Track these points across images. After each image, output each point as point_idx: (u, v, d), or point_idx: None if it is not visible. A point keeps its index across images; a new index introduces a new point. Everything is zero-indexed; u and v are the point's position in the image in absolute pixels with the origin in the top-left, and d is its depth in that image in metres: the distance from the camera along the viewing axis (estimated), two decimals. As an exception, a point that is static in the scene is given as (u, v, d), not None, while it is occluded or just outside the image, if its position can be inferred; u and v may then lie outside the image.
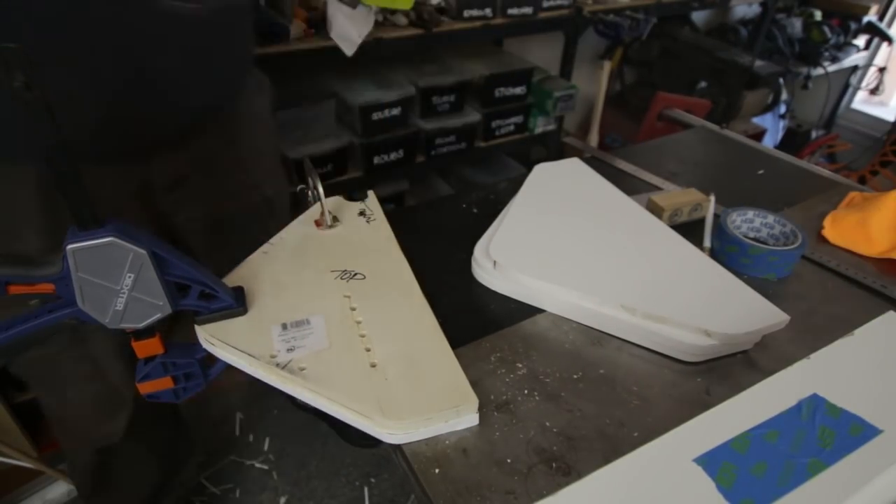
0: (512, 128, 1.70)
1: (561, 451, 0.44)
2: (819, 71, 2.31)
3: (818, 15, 2.39)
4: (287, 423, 1.35)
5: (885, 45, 2.51)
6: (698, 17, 2.41)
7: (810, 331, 0.57)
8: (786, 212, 0.76)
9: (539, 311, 0.57)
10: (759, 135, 2.30)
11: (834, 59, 2.38)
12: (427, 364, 0.47)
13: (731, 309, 0.53)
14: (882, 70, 2.58)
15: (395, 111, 1.45)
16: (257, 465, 1.27)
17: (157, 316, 0.43)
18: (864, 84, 2.68)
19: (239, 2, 0.59)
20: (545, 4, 1.56)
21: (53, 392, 0.72)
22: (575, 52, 1.82)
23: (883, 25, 2.42)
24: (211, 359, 0.50)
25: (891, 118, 2.51)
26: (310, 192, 0.61)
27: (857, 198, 0.76)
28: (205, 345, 0.49)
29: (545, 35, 1.96)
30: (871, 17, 2.41)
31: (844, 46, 2.43)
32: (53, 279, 0.40)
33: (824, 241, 0.71)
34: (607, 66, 1.96)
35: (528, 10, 1.52)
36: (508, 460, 0.43)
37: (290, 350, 0.46)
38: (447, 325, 0.52)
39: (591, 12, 1.67)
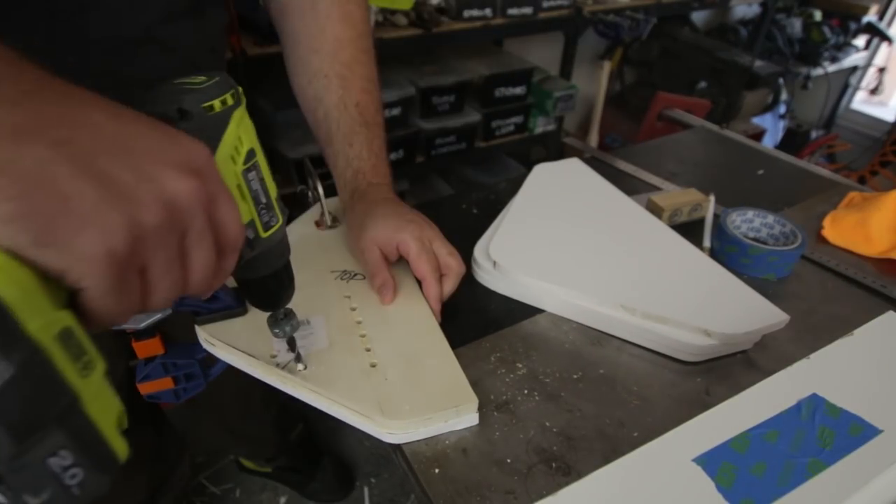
0: (512, 128, 1.70)
1: (561, 451, 0.44)
2: (819, 71, 2.31)
3: (818, 15, 2.39)
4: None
5: (884, 45, 2.51)
6: (698, 17, 2.41)
7: (810, 331, 0.57)
8: (786, 212, 0.76)
9: (539, 311, 0.57)
10: (758, 135, 2.30)
11: (834, 60, 2.38)
12: (427, 364, 0.47)
13: (730, 309, 0.53)
14: (882, 70, 2.58)
15: (395, 111, 1.45)
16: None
17: (158, 316, 0.43)
18: (863, 84, 2.68)
19: None
20: (545, 4, 1.56)
21: None
22: (575, 53, 1.82)
23: (883, 25, 2.42)
24: (211, 359, 0.50)
25: (890, 118, 2.51)
26: (310, 193, 0.61)
27: (857, 198, 0.76)
28: (205, 345, 0.49)
29: (545, 35, 1.96)
30: (871, 17, 2.41)
31: (844, 46, 2.43)
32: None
33: (824, 241, 0.71)
34: (607, 66, 1.96)
35: (528, 10, 1.52)
36: (508, 460, 0.43)
37: (288, 351, 0.46)
38: (447, 325, 0.52)
39: (591, 12, 1.67)
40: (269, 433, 1.10)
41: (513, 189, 0.71)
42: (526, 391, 0.49)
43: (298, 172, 1.34)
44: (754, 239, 0.67)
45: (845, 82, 2.67)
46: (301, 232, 0.62)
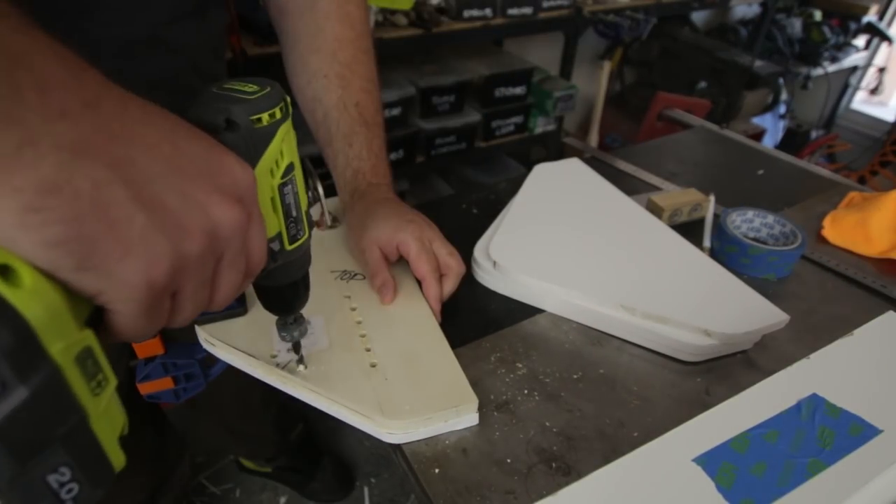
0: (512, 128, 1.70)
1: (561, 451, 0.44)
2: (819, 71, 2.31)
3: (818, 15, 2.39)
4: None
5: (884, 45, 2.51)
6: (698, 17, 2.41)
7: (810, 331, 0.57)
8: (785, 212, 0.76)
9: (539, 311, 0.57)
10: (758, 135, 2.30)
11: (834, 60, 2.38)
12: (427, 364, 0.47)
13: (730, 309, 0.53)
14: (882, 70, 2.58)
15: (395, 111, 1.45)
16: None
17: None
18: (863, 84, 2.68)
19: None
20: (545, 4, 1.56)
21: None
22: (575, 53, 1.82)
23: (882, 25, 2.42)
24: (211, 359, 0.50)
25: (890, 118, 2.51)
26: (310, 192, 0.61)
27: (857, 198, 0.76)
28: (205, 345, 0.49)
29: (545, 35, 1.96)
30: (871, 17, 2.41)
31: (844, 46, 2.43)
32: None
33: (824, 241, 0.71)
34: (607, 66, 1.96)
35: (528, 10, 1.52)
36: (508, 460, 0.43)
37: (290, 350, 0.46)
38: (447, 325, 0.52)
39: (591, 12, 1.67)
40: (269, 433, 1.10)
41: (513, 189, 0.71)
42: (526, 391, 0.49)
43: (298, 172, 1.34)
44: (754, 239, 0.67)
45: (845, 82, 2.67)
46: (301, 232, 0.62)
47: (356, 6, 0.59)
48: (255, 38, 1.21)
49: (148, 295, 0.23)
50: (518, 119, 1.69)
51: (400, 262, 0.55)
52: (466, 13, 1.43)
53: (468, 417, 0.45)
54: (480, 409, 0.45)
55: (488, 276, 0.59)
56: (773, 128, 2.44)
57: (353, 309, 0.52)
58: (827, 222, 0.72)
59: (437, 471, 0.42)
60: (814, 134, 2.47)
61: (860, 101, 2.74)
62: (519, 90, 1.65)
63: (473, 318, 0.56)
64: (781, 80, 2.31)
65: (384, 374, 0.46)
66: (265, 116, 0.29)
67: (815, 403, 0.40)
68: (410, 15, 1.37)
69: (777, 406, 0.40)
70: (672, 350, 0.52)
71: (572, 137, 1.47)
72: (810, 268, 0.66)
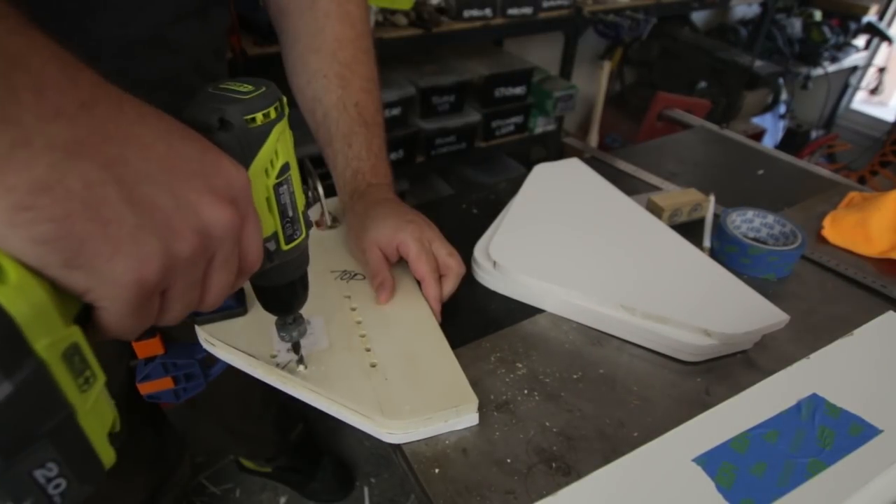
0: (512, 128, 1.70)
1: (561, 451, 0.44)
2: (819, 71, 2.31)
3: (818, 15, 2.39)
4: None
5: (884, 45, 2.51)
6: (698, 17, 2.41)
7: (810, 331, 0.57)
8: (785, 212, 0.76)
9: (539, 311, 0.57)
10: (758, 135, 2.30)
11: (834, 60, 2.38)
12: (427, 364, 0.47)
13: (730, 309, 0.53)
14: (882, 70, 2.58)
15: (395, 111, 1.45)
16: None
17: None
18: (863, 84, 2.68)
19: None
20: (545, 4, 1.56)
21: None
22: (575, 53, 1.82)
23: (883, 25, 2.42)
24: (211, 359, 0.50)
25: (890, 118, 2.51)
26: (309, 193, 0.61)
27: (857, 198, 0.76)
28: (205, 345, 0.49)
29: (545, 35, 1.96)
30: (871, 17, 2.41)
31: (844, 46, 2.43)
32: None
33: (824, 241, 0.71)
34: (607, 66, 1.96)
35: (528, 10, 1.52)
36: (508, 460, 0.43)
37: (289, 350, 0.46)
38: (447, 325, 0.52)
39: (591, 12, 1.67)
40: (269, 433, 1.10)
41: (513, 189, 0.71)
42: (526, 391, 0.49)
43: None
44: (754, 239, 0.67)
45: (845, 82, 2.67)
46: (301, 232, 0.62)
47: (356, 6, 0.59)
48: (255, 38, 1.21)
49: (136, 294, 0.23)
50: (518, 119, 1.69)
51: (400, 262, 0.55)
52: (466, 13, 1.43)
53: (468, 417, 0.45)
54: (480, 409, 0.45)
55: (488, 276, 0.59)
56: (773, 128, 2.44)
57: (353, 309, 0.52)
58: (827, 222, 0.72)
59: (437, 471, 0.42)
60: (814, 134, 2.47)
61: (860, 101, 2.74)
62: (519, 90, 1.65)
63: (473, 318, 0.56)
64: (781, 80, 2.31)
65: (384, 374, 0.46)
66: (259, 116, 0.29)
67: (815, 403, 0.40)
68: (410, 15, 1.37)
69: (777, 406, 0.40)
70: (672, 350, 0.52)
71: (572, 137, 1.47)
72: (810, 268, 0.66)
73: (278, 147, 0.31)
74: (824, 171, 0.88)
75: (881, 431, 0.38)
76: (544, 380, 0.50)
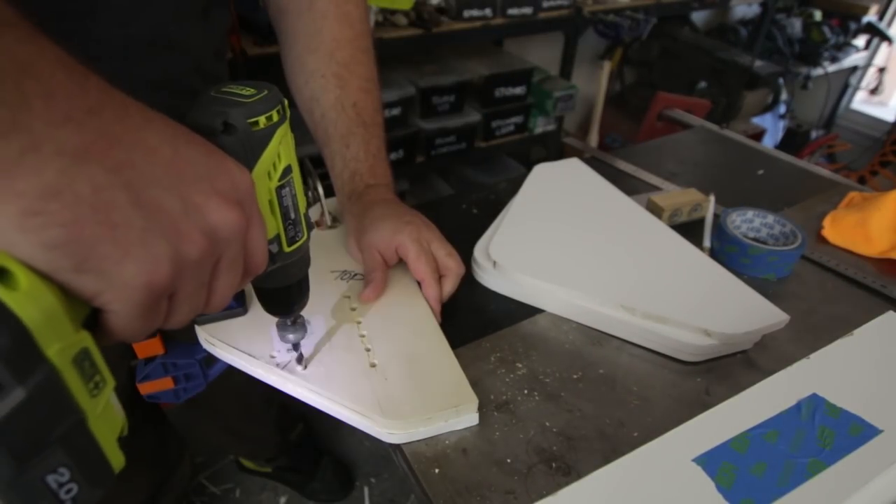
0: (512, 128, 1.70)
1: (561, 451, 0.44)
2: (819, 71, 2.31)
3: (818, 15, 2.39)
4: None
5: (884, 45, 2.51)
6: (698, 17, 2.41)
7: (810, 331, 0.57)
8: (785, 212, 0.76)
9: (539, 311, 0.57)
10: (758, 135, 2.30)
11: (834, 60, 2.38)
12: (427, 364, 0.47)
13: (730, 309, 0.53)
14: (882, 70, 2.58)
15: (395, 111, 1.45)
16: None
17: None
18: (863, 84, 2.68)
19: None
20: (545, 4, 1.56)
21: None
22: (575, 53, 1.82)
23: (882, 25, 2.42)
24: (211, 359, 0.50)
25: (890, 118, 2.51)
26: (309, 193, 0.61)
27: (857, 198, 0.76)
28: (205, 345, 0.49)
29: (545, 35, 1.96)
30: (871, 17, 2.41)
31: (844, 46, 2.43)
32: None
33: (824, 241, 0.71)
34: (607, 66, 1.96)
35: (528, 10, 1.52)
36: (508, 460, 0.43)
37: (289, 350, 0.46)
38: (447, 325, 0.52)
39: (591, 12, 1.67)
40: (269, 433, 1.10)
41: (513, 189, 0.71)
42: (526, 391, 0.49)
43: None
44: (754, 239, 0.67)
45: (845, 82, 2.67)
46: (301, 232, 0.62)
47: (355, 6, 0.59)
48: (255, 38, 1.21)
49: (146, 297, 0.23)
50: (518, 119, 1.69)
51: (401, 261, 0.55)
52: (466, 13, 1.43)
53: (468, 417, 0.45)
54: (480, 409, 0.45)
55: (488, 276, 0.59)
56: (773, 128, 2.44)
57: (353, 309, 0.52)
58: (827, 222, 0.72)
59: (437, 471, 0.42)
60: (814, 134, 2.47)
61: (860, 101, 2.74)
62: (519, 90, 1.65)
63: (473, 318, 0.56)
64: (781, 80, 2.31)
65: (384, 374, 0.46)
66: (262, 119, 0.29)
67: (815, 403, 0.40)
68: (410, 15, 1.37)
69: (777, 406, 0.40)
70: (672, 350, 0.52)
71: (572, 137, 1.47)
72: (810, 268, 0.66)
73: (281, 150, 0.31)
74: (824, 171, 0.88)
75: (881, 431, 0.38)
76: (544, 380, 0.50)
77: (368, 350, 0.48)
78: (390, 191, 0.59)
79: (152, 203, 0.23)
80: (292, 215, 0.33)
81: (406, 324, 0.51)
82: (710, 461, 0.36)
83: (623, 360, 0.53)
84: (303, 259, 0.37)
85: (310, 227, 0.36)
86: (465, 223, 0.71)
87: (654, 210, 0.70)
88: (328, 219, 0.63)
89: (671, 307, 0.52)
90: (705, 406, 0.40)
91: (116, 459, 0.24)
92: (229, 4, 0.59)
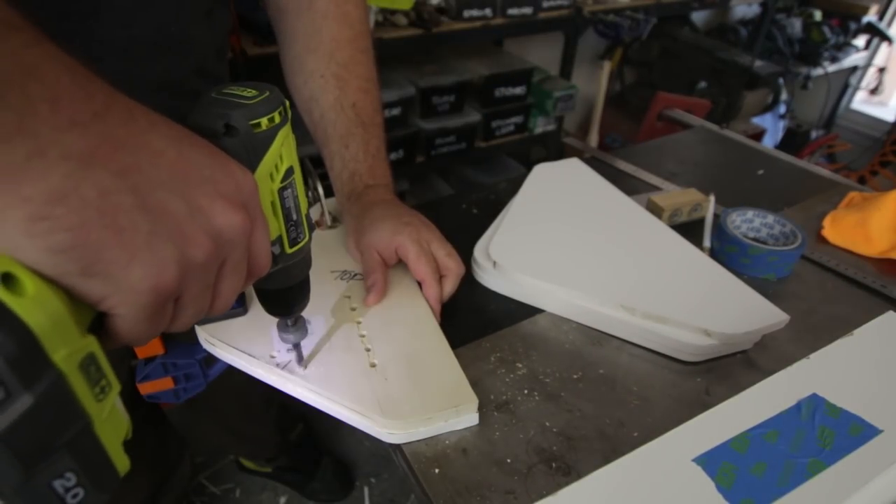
0: (512, 128, 1.70)
1: (561, 451, 0.44)
2: (819, 71, 2.31)
3: (818, 15, 2.39)
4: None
5: (884, 45, 2.51)
6: (698, 17, 2.41)
7: (810, 331, 0.57)
8: (785, 212, 0.76)
9: (539, 311, 0.57)
10: (758, 135, 2.30)
11: (834, 60, 2.38)
12: (427, 364, 0.47)
13: (730, 309, 0.53)
14: (882, 70, 2.58)
15: (395, 111, 1.45)
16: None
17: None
18: (863, 84, 2.68)
19: None
20: (545, 4, 1.56)
21: None
22: (575, 53, 1.82)
23: (883, 25, 2.42)
24: (211, 359, 0.50)
25: (890, 118, 2.51)
26: (310, 193, 0.61)
27: (857, 198, 0.76)
28: (205, 345, 0.49)
29: (545, 35, 1.96)
30: (871, 17, 2.41)
31: (844, 46, 2.43)
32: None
33: (824, 241, 0.71)
34: (607, 66, 1.96)
35: (528, 10, 1.52)
36: (508, 460, 0.43)
37: (290, 350, 0.46)
38: (447, 325, 0.52)
39: (591, 12, 1.67)
40: (269, 433, 1.10)
41: (513, 189, 0.71)
42: (526, 391, 0.49)
43: (298, 172, 1.34)
44: (754, 239, 0.67)
45: (845, 82, 2.67)
46: (301, 232, 0.62)
47: (355, 6, 0.59)
48: (255, 38, 1.21)
49: (152, 300, 0.23)
50: (518, 119, 1.69)
51: (400, 261, 0.55)
52: (466, 13, 1.43)
53: (468, 417, 0.45)
54: (480, 409, 0.45)
55: (488, 276, 0.59)
56: (773, 128, 2.44)
57: (353, 309, 0.52)
58: (827, 222, 0.72)
59: (437, 471, 0.42)
60: (814, 134, 2.47)
61: (860, 101, 2.74)
62: (519, 90, 1.65)
63: (473, 318, 0.56)
64: (781, 80, 2.31)
65: (384, 374, 0.46)
66: (264, 121, 0.29)
67: (815, 403, 0.40)
68: (410, 15, 1.37)
69: (777, 406, 0.40)
70: (672, 350, 0.52)
71: (572, 137, 1.47)
72: (810, 268, 0.66)
73: (282, 151, 0.31)
74: (824, 171, 0.88)
75: (881, 431, 0.38)
76: (544, 380, 0.50)
77: (368, 350, 0.48)
78: (390, 191, 0.59)
79: (158, 206, 0.23)
80: (294, 217, 0.33)
81: (406, 324, 0.51)
82: (710, 461, 0.36)
83: (623, 360, 0.53)
84: (304, 260, 0.37)
85: (311, 228, 0.36)
86: (465, 223, 0.71)
87: (654, 210, 0.70)
88: (328, 219, 0.63)
89: (671, 307, 0.52)
90: (705, 406, 0.40)
91: (121, 463, 0.24)
92: (230, 4, 0.59)
